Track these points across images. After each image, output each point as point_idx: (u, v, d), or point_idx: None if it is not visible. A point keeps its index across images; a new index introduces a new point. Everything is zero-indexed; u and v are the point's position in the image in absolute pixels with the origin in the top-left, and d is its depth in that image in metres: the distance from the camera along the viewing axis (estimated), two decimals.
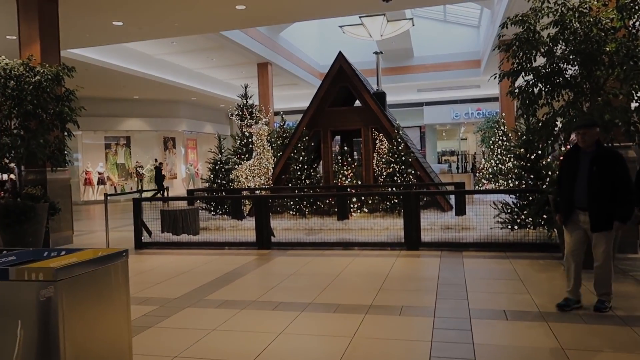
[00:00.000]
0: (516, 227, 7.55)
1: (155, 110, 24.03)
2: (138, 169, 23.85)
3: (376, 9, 11.38)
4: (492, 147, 16.93)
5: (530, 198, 7.34)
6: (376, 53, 13.49)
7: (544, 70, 6.23)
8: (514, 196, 7.85)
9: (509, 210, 7.61)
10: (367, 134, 11.66)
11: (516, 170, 7.66)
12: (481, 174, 17.17)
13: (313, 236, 8.79)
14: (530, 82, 6.34)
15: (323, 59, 29.08)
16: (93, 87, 19.47)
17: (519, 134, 7.79)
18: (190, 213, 9.77)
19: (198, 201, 11.79)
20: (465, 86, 27.89)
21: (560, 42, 6.07)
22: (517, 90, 6.46)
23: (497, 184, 16.12)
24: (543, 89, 6.26)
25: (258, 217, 8.24)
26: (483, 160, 17.31)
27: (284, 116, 16.11)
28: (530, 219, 7.31)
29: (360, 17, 18.77)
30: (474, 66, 27.20)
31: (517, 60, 6.47)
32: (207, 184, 11.68)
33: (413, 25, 19.29)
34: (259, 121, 12.02)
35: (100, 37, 12.20)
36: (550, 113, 6.41)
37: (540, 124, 6.42)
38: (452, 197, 11.19)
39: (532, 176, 7.46)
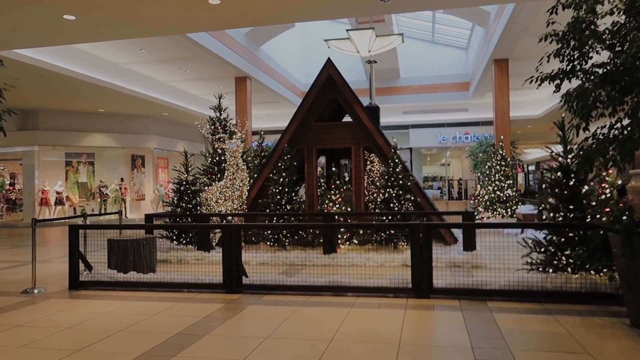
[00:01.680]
0: (550, 270, 6.01)
1: (122, 126, 22.18)
2: (101, 188, 21.84)
3: (369, 10, 9.99)
4: (487, 172, 15.60)
5: (571, 234, 5.82)
6: (369, 62, 12.09)
7: (607, 69, 4.77)
8: (545, 231, 6.33)
9: (541, 249, 6.07)
10: (358, 153, 10.13)
11: (551, 200, 6.15)
12: (477, 201, 15.77)
13: (295, 277, 7.10)
14: (587, 84, 4.89)
15: (305, 77, 27.78)
16: (51, 96, 17.61)
17: (554, 154, 6.32)
18: (145, 244, 7.98)
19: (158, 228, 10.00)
20: (453, 109, 26.85)
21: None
22: (572, 95, 4.98)
23: (494, 212, 14.72)
24: (604, 94, 4.80)
25: (226, 252, 6.52)
26: (478, 186, 15.92)
27: (262, 134, 14.46)
28: (571, 260, 5.78)
29: (347, 30, 17.50)
30: (462, 89, 26.21)
31: (566, 57, 5.03)
32: (169, 208, 9.92)
33: (403, 41, 18.12)
34: (233, 136, 10.35)
35: (50, 35, 10.48)
36: (603, 127, 4.97)
37: (594, 142, 4.93)
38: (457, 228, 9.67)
39: (571, 207, 5.96)
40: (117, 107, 20.13)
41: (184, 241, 9.70)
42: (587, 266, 5.70)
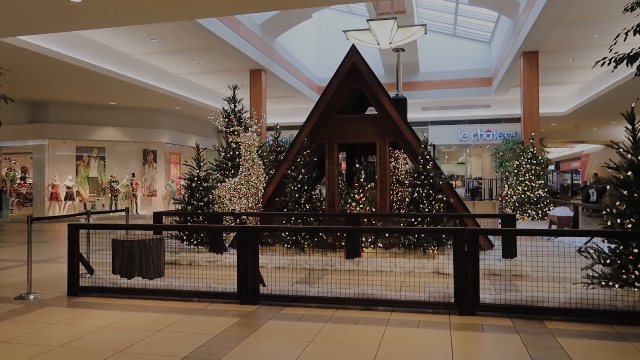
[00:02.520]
0: (616, 286, 5.17)
1: (134, 120, 21.59)
2: (112, 184, 21.28)
3: None
4: (516, 171, 14.69)
5: None
6: (397, 50, 11.28)
7: None
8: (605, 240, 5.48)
9: (607, 261, 5.23)
10: (383, 148, 9.32)
11: (618, 204, 5.29)
12: (504, 202, 14.88)
13: (317, 286, 6.33)
14: None
15: (322, 71, 26.99)
16: (61, 88, 17.04)
17: (623, 151, 5.46)
18: (153, 245, 7.28)
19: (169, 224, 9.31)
20: (474, 105, 25.84)
21: None
22: None
23: (524, 214, 13.82)
24: None
25: (242, 258, 5.78)
26: (506, 186, 15.01)
27: (279, 128, 13.67)
28: None
29: (367, 20, 16.66)
30: (485, 84, 25.21)
31: None
32: (179, 206, 9.22)
33: (425, 33, 17.20)
34: (249, 129, 9.58)
35: (55, 20, 9.81)
36: None
37: None
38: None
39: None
40: (128, 100, 19.54)
41: (195, 242, 8.99)
42: None
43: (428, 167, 8.50)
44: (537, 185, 13.75)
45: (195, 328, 4.82)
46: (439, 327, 4.76)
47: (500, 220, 8.04)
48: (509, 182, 14.93)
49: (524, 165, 14.10)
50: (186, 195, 9.13)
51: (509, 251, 7.61)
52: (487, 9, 20.12)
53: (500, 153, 18.41)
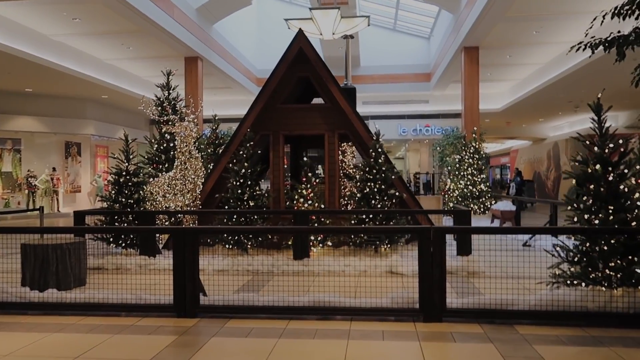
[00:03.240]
0: (583, 285, 4.92)
1: (55, 109, 19.70)
2: (29, 179, 19.32)
3: None
4: (458, 165, 14.71)
5: (612, 241, 4.73)
6: (346, 37, 10.76)
7: None
8: (569, 237, 5.24)
9: (575, 259, 4.96)
10: (332, 141, 8.77)
11: (586, 199, 5.04)
12: (446, 196, 14.86)
13: (265, 293, 5.67)
14: None
15: (261, 62, 26.09)
16: None
17: (589, 143, 5.21)
18: (73, 250, 6.30)
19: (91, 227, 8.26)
20: (414, 101, 25.99)
21: None
22: None
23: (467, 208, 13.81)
24: None
25: (179, 265, 5.00)
26: (448, 180, 15.01)
27: (217, 119, 12.76)
28: (612, 273, 4.70)
29: (310, 9, 16.07)
30: (424, 79, 25.43)
31: None
32: (105, 204, 8.19)
33: (369, 24, 16.84)
34: (185, 119, 8.66)
35: None
36: None
37: None
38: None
39: (611, 208, 4.88)
40: (47, 86, 17.74)
41: (123, 244, 8.01)
42: (633, 280, 4.64)
43: (380, 160, 8.04)
44: (479, 180, 13.80)
45: (122, 352, 4.02)
46: (407, 338, 4.27)
47: (453, 216, 7.74)
48: (451, 177, 14.91)
49: (467, 160, 14.11)
50: (113, 192, 8.12)
51: (464, 248, 7.31)
52: (429, 3, 20.15)
53: (441, 148, 18.48)
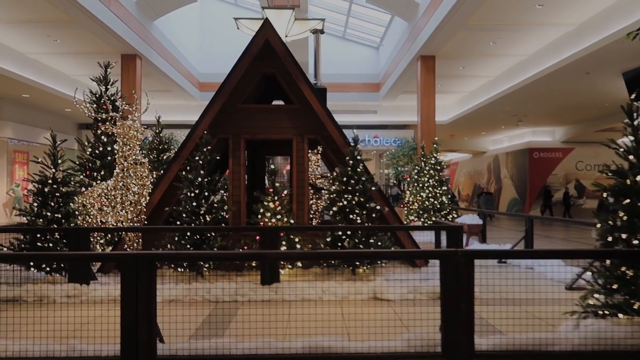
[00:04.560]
0: (621, 316, 4.19)
1: None
2: None
3: None
4: (416, 177, 14.13)
5: None
6: (315, 32, 9.77)
7: None
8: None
9: (614, 287, 4.23)
10: (301, 147, 7.73)
11: (622, 215, 4.31)
12: (406, 209, 14.22)
13: (244, 341, 4.50)
14: None
15: (204, 66, 24.63)
16: None
17: (622, 150, 4.51)
18: None
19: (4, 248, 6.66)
20: (362, 111, 25.48)
21: None
22: None
23: (428, 221, 13.22)
24: None
25: (128, 302, 3.74)
26: (408, 192, 14.38)
27: (160, 119, 11.29)
28: None
29: (263, 8, 15.02)
30: (373, 89, 25.02)
31: None
32: (25, 219, 6.64)
33: (322, 30, 15.98)
34: (129, 117, 7.23)
35: None
36: None
37: None
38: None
39: None
40: None
41: (47, 268, 6.50)
42: None
43: (358, 169, 7.10)
44: (440, 192, 13.25)
45: None
46: None
47: (446, 233, 6.91)
48: (410, 189, 14.29)
49: (427, 171, 13.54)
50: (35, 205, 6.59)
51: None
52: (383, 11, 19.76)
53: (396, 159, 17.94)
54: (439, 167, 13.44)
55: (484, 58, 16.98)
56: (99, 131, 8.58)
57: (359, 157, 7.10)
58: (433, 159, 13.52)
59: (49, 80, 17.14)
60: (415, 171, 14.43)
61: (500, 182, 30.34)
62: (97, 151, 8.57)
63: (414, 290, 6.25)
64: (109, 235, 8.20)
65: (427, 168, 13.70)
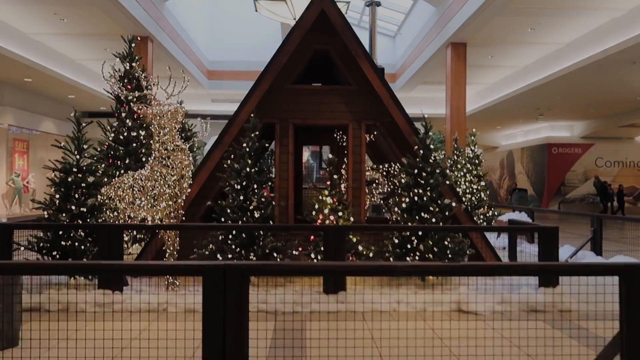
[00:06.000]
0: None
1: None
2: None
3: None
4: (449, 172, 13.20)
5: None
6: (370, 4, 8.76)
7: None
8: None
9: None
10: (358, 134, 6.79)
11: None
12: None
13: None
14: None
15: (212, 53, 23.54)
16: None
17: None
18: None
19: (22, 248, 5.69)
20: None
21: None
22: None
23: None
24: None
25: (212, 325, 2.79)
26: None
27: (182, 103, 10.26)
28: None
29: None
30: (388, 80, 23.96)
31: None
32: (44, 213, 5.66)
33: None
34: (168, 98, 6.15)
35: None
36: None
37: None
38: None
39: None
40: None
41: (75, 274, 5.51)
42: None
43: (430, 161, 6.16)
44: (479, 188, 12.33)
45: None
46: None
47: (537, 235, 5.97)
48: None
49: (464, 165, 12.61)
50: (57, 197, 5.60)
51: (549, 278, 5.58)
52: None
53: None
54: (476, 161, 12.50)
55: (516, 46, 16.06)
56: (122, 114, 7.56)
57: (431, 147, 6.15)
58: (470, 151, 12.58)
59: (53, 63, 16.02)
60: (449, 164, 13.47)
61: (515, 178, 29.52)
62: (121, 137, 7.58)
63: (502, 300, 5.36)
64: (134, 232, 7.24)
65: (462, 162, 12.75)
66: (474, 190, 12.45)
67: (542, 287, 5.59)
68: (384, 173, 7.78)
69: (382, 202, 7.91)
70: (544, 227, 5.63)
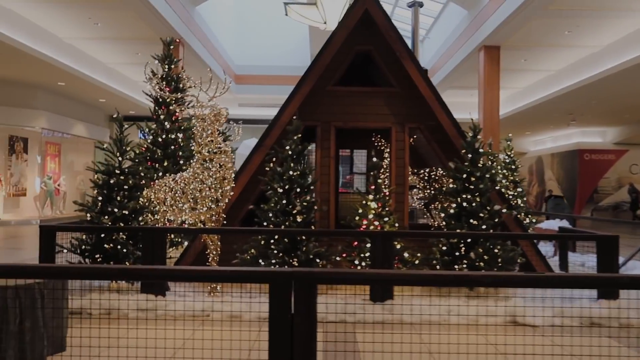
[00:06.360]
0: None
1: None
2: None
3: None
4: None
5: None
6: (414, 4, 8.60)
7: None
8: None
9: None
10: (401, 137, 6.59)
11: None
12: None
13: None
14: None
15: (239, 57, 23.61)
16: None
17: None
18: (47, 295, 3.79)
19: (65, 250, 5.65)
20: None
21: None
22: None
23: None
24: None
25: (279, 336, 2.63)
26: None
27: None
28: None
29: None
30: None
31: None
32: (87, 215, 5.61)
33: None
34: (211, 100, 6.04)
35: None
36: None
37: None
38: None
39: None
40: None
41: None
42: None
43: (479, 165, 5.93)
44: (515, 194, 12.00)
45: None
46: None
47: (596, 244, 5.66)
48: None
49: (499, 171, 12.28)
50: (100, 199, 5.54)
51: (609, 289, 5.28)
52: (435, 1, 18.52)
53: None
54: (513, 167, 12.18)
55: (551, 49, 15.64)
56: (160, 117, 7.53)
57: (480, 150, 5.92)
58: (507, 157, 12.26)
59: (86, 67, 16.22)
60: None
61: (544, 184, 28.84)
62: (159, 139, 7.54)
63: (560, 314, 5.08)
64: (172, 236, 7.17)
65: (497, 167, 12.43)
66: (511, 197, 12.10)
67: (602, 299, 5.30)
68: (425, 178, 7.57)
69: (423, 207, 7.68)
70: (603, 236, 5.34)
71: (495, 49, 15.14)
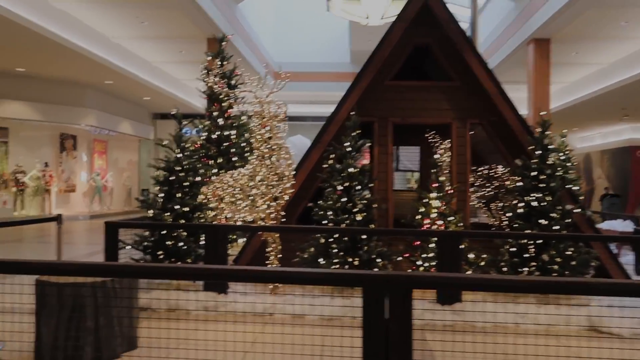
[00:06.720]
0: None
1: (49, 93, 16.78)
2: (17, 175, 16.43)
3: None
4: None
5: None
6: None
7: None
8: None
9: None
10: (463, 133, 6.36)
11: None
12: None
13: None
14: None
15: (278, 54, 23.63)
16: None
17: None
18: (120, 292, 3.78)
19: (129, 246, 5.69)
20: None
21: None
22: None
23: None
24: None
25: (373, 341, 2.51)
26: None
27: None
28: None
29: None
30: None
31: None
32: (150, 212, 5.63)
33: None
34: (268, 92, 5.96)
35: None
36: None
37: None
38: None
39: None
40: (42, 66, 14.93)
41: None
42: None
43: (548, 162, 5.64)
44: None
45: None
46: None
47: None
48: None
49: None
50: (161, 196, 5.55)
51: None
52: None
53: None
54: (569, 164, 11.68)
55: (605, 42, 14.93)
56: (214, 113, 7.53)
57: (550, 147, 5.64)
58: (562, 154, 11.76)
59: (132, 66, 16.53)
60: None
61: (593, 182, 27.76)
62: (214, 135, 7.55)
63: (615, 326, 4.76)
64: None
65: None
66: None
67: None
68: (486, 175, 7.30)
69: (482, 206, 7.43)
70: None
71: (545, 42, 14.57)
